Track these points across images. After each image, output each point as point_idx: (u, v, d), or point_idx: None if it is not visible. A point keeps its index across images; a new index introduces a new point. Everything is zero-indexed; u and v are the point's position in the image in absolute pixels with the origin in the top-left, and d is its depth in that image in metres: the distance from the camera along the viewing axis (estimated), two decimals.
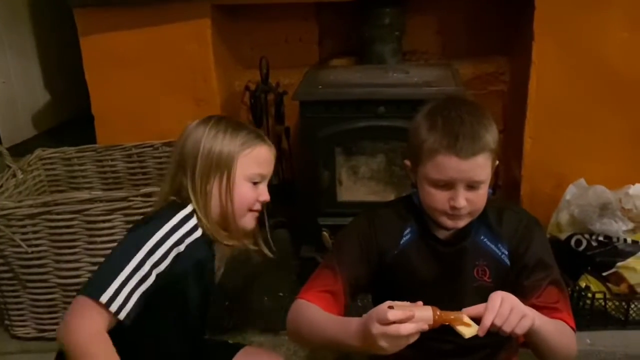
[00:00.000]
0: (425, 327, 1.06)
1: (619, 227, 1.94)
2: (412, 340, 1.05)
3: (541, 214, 1.90)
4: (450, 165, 1.21)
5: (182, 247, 1.28)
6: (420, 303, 1.09)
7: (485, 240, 1.34)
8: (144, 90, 2.24)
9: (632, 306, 1.90)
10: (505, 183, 2.47)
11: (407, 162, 1.34)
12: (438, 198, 1.26)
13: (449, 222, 1.28)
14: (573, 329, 1.28)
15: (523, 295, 1.27)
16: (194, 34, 2.17)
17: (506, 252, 1.34)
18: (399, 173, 2.09)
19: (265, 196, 1.39)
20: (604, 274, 1.93)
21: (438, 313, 1.07)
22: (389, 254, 1.34)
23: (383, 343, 1.04)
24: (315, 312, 1.25)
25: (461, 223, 1.28)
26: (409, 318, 1.04)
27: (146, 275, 1.24)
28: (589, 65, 2.09)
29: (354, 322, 1.13)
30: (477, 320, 1.10)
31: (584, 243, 1.97)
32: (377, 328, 1.05)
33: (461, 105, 1.28)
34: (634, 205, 1.96)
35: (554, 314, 1.26)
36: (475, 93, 2.39)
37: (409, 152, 1.32)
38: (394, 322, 1.03)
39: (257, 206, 1.39)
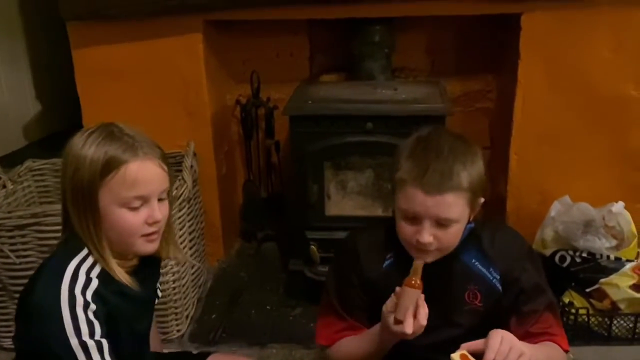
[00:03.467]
0: None
1: (602, 244, 1.97)
2: None
3: (526, 230, 1.94)
4: (415, 198, 1.19)
5: (93, 306, 1.14)
6: None
7: (476, 263, 1.33)
8: (135, 103, 2.25)
9: (615, 322, 1.93)
10: (491, 199, 2.50)
11: (390, 185, 1.35)
12: (406, 230, 1.24)
13: (416, 255, 1.25)
14: (566, 350, 1.30)
15: (520, 320, 1.30)
16: (186, 49, 2.19)
17: (498, 277, 1.33)
18: (387, 188, 2.11)
19: (154, 216, 1.18)
20: (588, 290, 1.96)
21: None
22: (373, 277, 1.35)
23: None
24: (346, 345, 1.36)
25: (429, 259, 1.25)
26: None
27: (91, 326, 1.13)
28: (573, 85, 2.13)
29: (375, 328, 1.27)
30: (474, 354, 1.12)
31: (568, 259, 2.00)
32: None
33: (447, 138, 1.25)
34: (617, 222, 1.99)
35: (547, 337, 1.28)
36: (463, 110, 2.43)
37: (390, 179, 1.32)
38: None
39: (148, 229, 1.18)
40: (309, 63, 2.53)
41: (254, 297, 2.25)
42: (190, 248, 2.09)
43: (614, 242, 1.98)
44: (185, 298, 2.05)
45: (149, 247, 1.21)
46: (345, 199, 2.14)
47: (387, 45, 2.32)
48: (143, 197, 1.16)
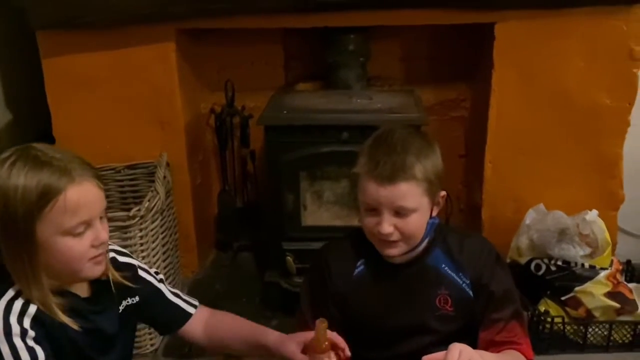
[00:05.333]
0: None
1: (576, 252, 1.98)
2: None
3: (502, 239, 1.95)
4: (370, 189, 1.25)
5: (32, 333, 1.07)
6: None
7: (446, 268, 1.35)
8: (107, 113, 2.22)
9: (590, 330, 1.94)
10: (467, 208, 2.51)
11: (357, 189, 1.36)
12: (368, 223, 1.28)
13: (383, 249, 1.29)
14: (530, 359, 1.30)
15: (487, 328, 1.31)
16: (159, 57, 2.16)
17: (467, 281, 1.34)
18: None
19: (100, 238, 1.12)
20: (563, 298, 1.97)
21: None
22: (344, 285, 1.35)
23: None
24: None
25: (394, 250, 1.28)
26: None
27: None
28: (547, 93, 2.14)
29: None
30: None
31: (543, 267, 2.01)
32: None
33: (401, 133, 1.29)
34: (591, 230, 2.01)
35: (512, 346, 1.28)
36: (437, 119, 2.42)
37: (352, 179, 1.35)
38: None
39: (95, 252, 1.12)
40: (284, 71, 2.51)
41: (230, 309, 2.15)
42: (164, 260, 2.05)
43: (588, 250, 1.99)
44: None
45: (96, 270, 1.15)
46: (322, 209, 2.13)
47: (362, 54, 2.32)
48: (87, 221, 1.09)
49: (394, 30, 2.31)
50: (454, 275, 1.34)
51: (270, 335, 1.33)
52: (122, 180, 2.26)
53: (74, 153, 1.15)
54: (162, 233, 2.02)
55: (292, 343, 1.27)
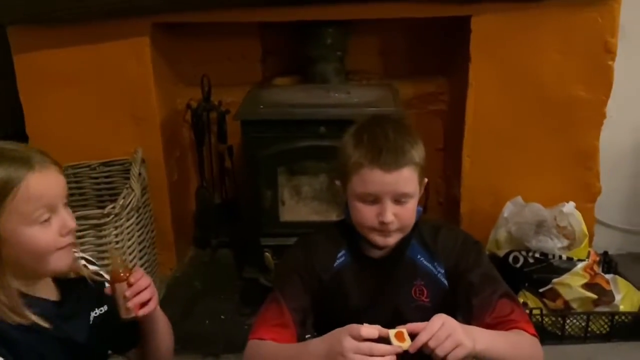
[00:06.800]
0: (400, 350, 1.06)
1: (554, 244, 1.99)
2: None
3: (480, 231, 1.95)
4: (374, 178, 1.22)
5: None
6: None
7: (421, 259, 1.34)
8: (81, 109, 2.18)
9: (568, 321, 1.95)
10: (446, 201, 2.51)
11: (337, 182, 1.34)
12: (366, 214, 1.25)
13: (379, 240, 1.27)
14: (535, 335, 1.27)
15: (475, 314, 1.27)
16: (133, 52, 2.13)
17: (442, 271, 1.33)
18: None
19: (67, 225, 1.08)
20: (541, 290, 1.98)
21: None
22: (324, 277, 1.33)
23: (352, 357, 1.04)
24: (271, 347, 1.23)
25: (391, 240, 1.27)
26: (381, 335, 1.05)
27: None
28: (523, 86, 2.15)
29: (312, 343, 1.14)
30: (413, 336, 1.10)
31: (521, 260, 2.01)
32: (349, 342, 1.05)
33: (386, 122, 1.29)
34: (569, 222, 2.02)
35: (511, 325, 1.25)
36: (416, 112, 2.42)
37: (338, 171, 1.32)
38: (365, 340, 1.04)
39: (63, 241, 1.08)
40: (261, 66, 2.49)
41: (208, 306, 2.20)
42: (140, 258, 2.03)
43: (565, 242, 2.00)
44: None
45: (65, 260, 1.10)
46: (300, 205, 2.12)
47: (339, 48, 2.31)
48: (51, 205, 1.06)
49: (372, 24, 2.30)
50: (429, 265, 1.33)
51: None
52: (97, 178, 2.24)
53: (32, 147, 1.12)
54: (138, 231, 2.00)
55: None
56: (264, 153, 1.99)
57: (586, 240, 2.02)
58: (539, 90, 2.15)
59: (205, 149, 2.46)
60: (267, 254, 2.04)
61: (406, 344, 1.09)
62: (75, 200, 2.23)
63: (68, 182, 2.22)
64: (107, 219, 1.81)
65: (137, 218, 1.98)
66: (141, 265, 2.03)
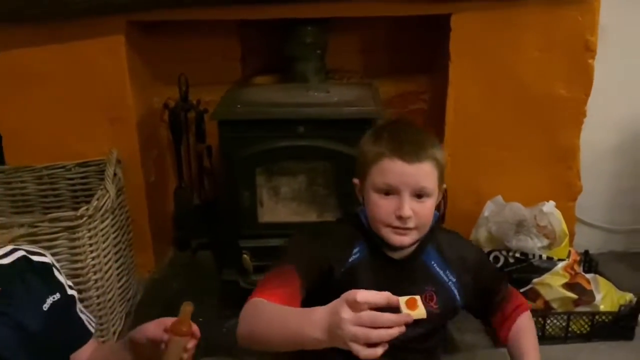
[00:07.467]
0: (409, 320, 0.94)
1: (534, 244, 1.98)
2: (386, 337, 0.92)
3: (461, 231, 1.91)
4: (395, 168, 1.22)
5: None
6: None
7: (435, 265, 1.35)
8: (55, 109, 2.14)
9: (548, 321, 1.94)
10: None
11: (356, 181, 1.33)
12: (384, 208, 1.24)
13: (394, 238, 1.26)
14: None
15: (496, 310, 1.43)
16: (108, 51, 2.08)
17: (454, 280, 1.35)
18: (321, 193, 2.07)
19: None
20: (521, 290, 1.94)
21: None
22: (338, 269, 1.29)
23: (350, 329, 0.91)
24: (273, 307, 1.13)
25: (406, 239, 1.26)
26: (383, 300, 0.94)
27: None
28: (504, 84, 2.14)
29: (318, 310, 1.00)
30: None
31: (502, 260, 2.00)
32: (346, 312, 0.93)
33: (407, 123, 1.36)
34: (549, 221, 2.01)
35: (518, 310, 1.43)
36: (397, 111, 2.40)
37: (356, 169, 1.33)
38: (364, 307, 0.93)
39: None
40: (240, 65, 2.46)
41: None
42: (116, 261, 1.99)
43: (545, 242, 1.99)
44: (112, 313, 1.95)
45: None
46: (279, 206, 2.08)
47: (320, 47, 2.28)
48: None
49: (353, 22, 2.28)
50: (441, 272, 1.35)
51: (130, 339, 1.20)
52: (73, 179, 2.19)
53: None
54: (113, 233, 1.96)
55: (149, 325, 1.14)
56: (241, 153, 1.95)
57: (566, 240, 2.01)
58: (519, 89, 2.14)
59: (184, 149, 2.43)
60: (245, 256, 2.01)
61: (417, 313, 0.97)
62: (50, 201, 2.20)
63: (43, 184, 2.22)
64: (81, 221, 1.76)
65: (112, 220, 1.94)
66: (117, 269, 2.00)
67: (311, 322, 1.00)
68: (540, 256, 1.97)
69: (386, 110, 2.13)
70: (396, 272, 1.31)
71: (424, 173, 1.23)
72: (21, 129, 2.15)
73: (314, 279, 1.25)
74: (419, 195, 1.24)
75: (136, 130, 2.19)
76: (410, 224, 1.24)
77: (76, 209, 1.81)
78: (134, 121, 2.18)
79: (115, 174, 1.98)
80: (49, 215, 1.76)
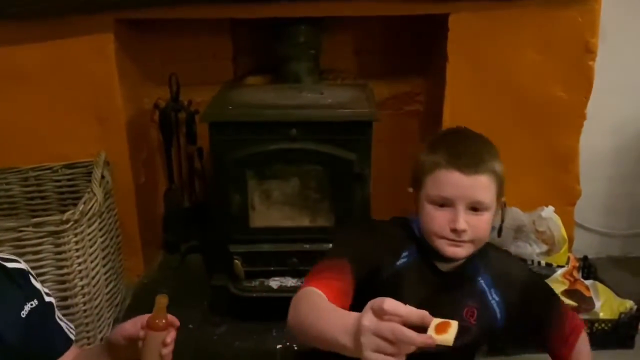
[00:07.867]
0: (432, 343, 0.87)
1: (533, 250, 1.95)
2: (405, 351, 0.86)
3: None
4: (451, 180, 1.18)
5: None
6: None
7: (482, 282, 1.31)
8: (42, 109, 2.08)
9: None
10: None
11: (410, 190, 1.29)
12: (438, 220, 1.20)
13: (448, 249, 1.21)
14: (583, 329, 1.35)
15: (551, 333, 1.31)
16: (96, 49, 2.03)
17: (497, 299, 1.31)
18: (314, 197, 2.02)
19: None
20: None
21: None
22: (385, 271, 1.26)
23: (367, 338, 0.85)
24: (318, 298, 1.08)
25: (461, 252, 1.21)
26: (417, 318, 0.87)
27: None
28: (501, 87, 2.09)
29: (351, 315, 0.94)
30: None
31: None
32: (369, 319, 0.86)
33: (467, 133, 1.29)
34: (547, 227, 1.98)
35: (575, 332, 1.31)
36: (392, 113, 2.36)
37: (412, 179, 1.29)
38: (392, 318, 0.86)
39: None
40: (232, 65, 2.41)
41: (176, 314, 2.07)
42: (104, 266, 1.94)
43: (544, 248, 1.96)
44: (99, 320, 1.90)
45: None
46: (271, 210, 2.03)
47: (313, 47, 2.22)
48: None
49: (347, 22, 2.24)
50: (486, 290, 1.30)
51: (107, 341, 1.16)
52: (60, 181, 2.14)
53: None
54: (101, 237, 1.91)
55: (126, 324, 1.11)
56: (232, 156, 1.90)
57: (565, 246, 1.98)
58: (517, 91, 2.09)
59: (174, 150, 2.38)
60: (236, 261, 1.96)
61: (443, 338, 0.88)
62: (37, 204, 2.15)
63: (29, 186, 2.16)
64: (66, 226, 1.71)
65: (99, 224, 1.89)
66: (104, 274, 1.94)
67: (343, 326, 0.94)
68: (539, 262, 1.93)
69: (381, 111, 2.08)
70: (441, 284, 1.27)
71: (480, 186, 1.19)
72: (7, 130, 2.09)
73: (361, 277, 1.21)
74: (475, 208, 1.20)
75: (125, 131, 2.14)
76: (465, 237, 1.20)
77: (63, 212, 1.76)
78: (123, 122, 2.13)
79: (103, 177, 1.93)
80: (33, 220, 1.71)
